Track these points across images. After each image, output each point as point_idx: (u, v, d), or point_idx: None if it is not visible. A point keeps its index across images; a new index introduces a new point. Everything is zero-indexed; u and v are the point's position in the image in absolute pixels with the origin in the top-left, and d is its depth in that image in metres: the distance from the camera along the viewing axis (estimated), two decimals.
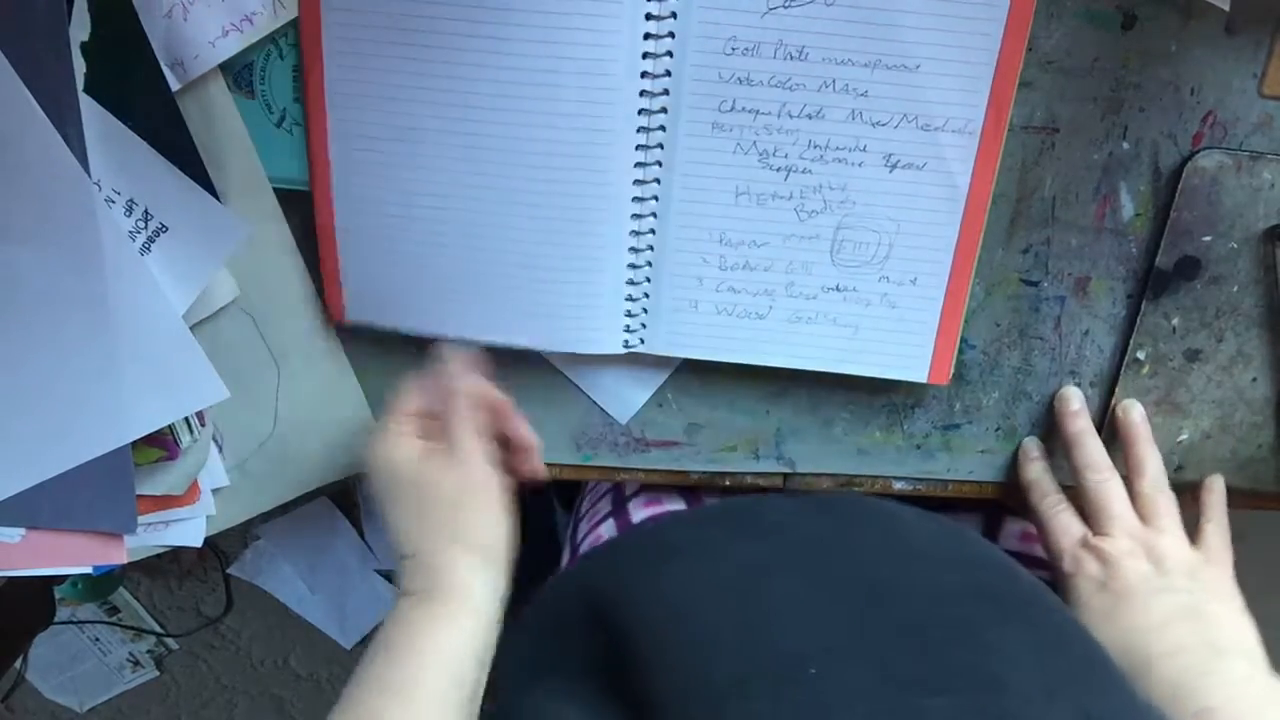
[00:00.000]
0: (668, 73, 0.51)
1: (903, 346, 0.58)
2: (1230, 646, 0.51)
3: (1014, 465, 0.63)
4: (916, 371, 0.58)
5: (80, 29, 0.49)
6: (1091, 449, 0.59)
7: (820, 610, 0.48)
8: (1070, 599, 0.57)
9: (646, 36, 0.50)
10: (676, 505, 0.69)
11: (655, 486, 0.68)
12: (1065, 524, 0.59)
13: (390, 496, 0.54)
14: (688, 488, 0.70)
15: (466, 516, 0.53)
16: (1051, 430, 0.62)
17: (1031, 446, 0.62)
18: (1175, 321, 0.59)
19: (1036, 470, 0.62)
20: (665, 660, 0.47)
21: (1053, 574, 0.60)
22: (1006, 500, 0.65)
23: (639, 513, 0.67)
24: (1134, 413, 0.60)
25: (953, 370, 0.59)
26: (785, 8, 0.50)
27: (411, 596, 0.51)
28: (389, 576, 1.30)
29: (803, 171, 0.53)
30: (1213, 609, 0.54)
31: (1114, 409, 0.61)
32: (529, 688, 0.52)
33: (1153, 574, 0.55)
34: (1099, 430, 0.61)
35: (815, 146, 0.53)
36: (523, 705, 0.51)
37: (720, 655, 0.46)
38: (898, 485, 0.65)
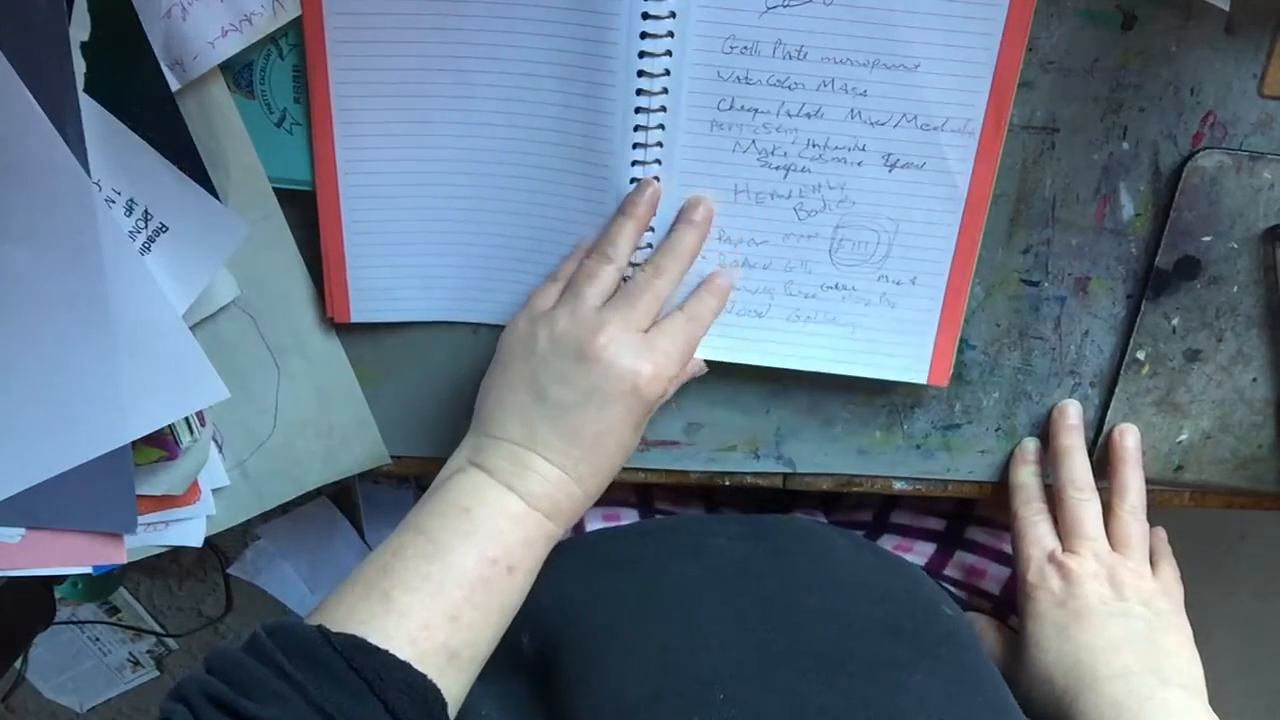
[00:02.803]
0: (666, 72, 0.51)
1: (903, 347, 0.58)
2: (1174, 677, 0.53)
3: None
4: (917, 373, 0.58)
5: (80, 29, 0.49)
6: (1077, 466, 0.60)
7: (738, 635, 0.49)
8: (1028, 608, 0.58)
9: (644, 36, 0.50)
10: (633, 519, 0.69)
11: (613, 500, 0.68)
12: (1039, 535, 0.60)
13: (518, 375, 0.51)
14: (645, 502, 0.71)
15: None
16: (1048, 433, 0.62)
17: (1029, 448, 0.62)
18: (1175, 321, 0.59)
19: (1026, 474, 0.62)
20: (586, 673, 0.48)
21: (1013, 579, 0.61)
22: (988, 503, 0.65)
23: (594, 522, 0.67)
24: (1129, 437, 0.61)
25: (952, 371, 0.59)
26: (784, 7, 0.50)
27: (481, 472, 0.50)
28: None
29: (802, 170, 0.53)
30: (1164, 639, 0.55)
31: (1111, 429, 0.61)
32: None
33: (1111, 598, 0.56)
34: (1095, 438, 0.62)
35: (814, 145, 0.53)
36: None
37: (637, 673, 0.47)
38: (898, 485, 0.65)
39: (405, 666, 0.43)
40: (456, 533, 0.48)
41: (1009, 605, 0.65)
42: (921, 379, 0.58)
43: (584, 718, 0.46)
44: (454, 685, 0.45)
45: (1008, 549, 0.65)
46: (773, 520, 0.62)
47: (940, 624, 0.53)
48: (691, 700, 0.45)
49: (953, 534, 0.70)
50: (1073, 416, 0.61)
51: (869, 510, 0.74)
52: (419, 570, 0.46)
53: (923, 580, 0.60)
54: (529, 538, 0.49)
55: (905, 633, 0.51)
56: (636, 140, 0.53)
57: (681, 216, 0.54)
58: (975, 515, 0.70)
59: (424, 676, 0.43)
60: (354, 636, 0.43)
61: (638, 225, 0.53)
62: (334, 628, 0.43)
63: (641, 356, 0.50)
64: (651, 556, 0.57)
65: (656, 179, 0.53)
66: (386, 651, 0.43)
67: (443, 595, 0.46)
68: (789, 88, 0.51)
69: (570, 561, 0.53)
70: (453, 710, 0.45)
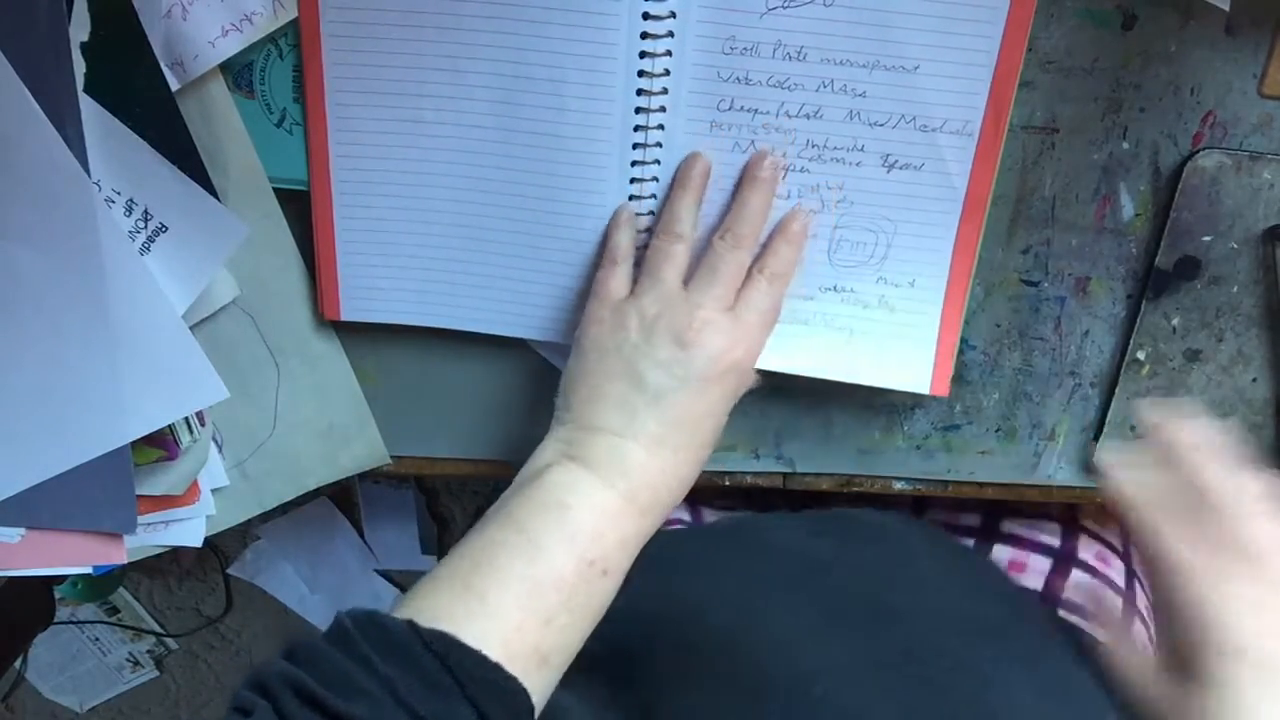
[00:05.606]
0: (666, 72, 0.51)
1: (903, 355, 0.57)
2: None
3: (1021, 467, 0.63)
4: (918, 382, 0.58)
5: (80, 29, 0.49)
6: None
7: (827, 632, 0.49)
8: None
9: (644, 36, 0.50)
10: (681, 514, 0.69)
11: None
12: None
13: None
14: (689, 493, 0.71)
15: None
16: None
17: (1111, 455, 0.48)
18: (1175, 321, 0.59)
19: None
20: (677, 675, 0.48)
21: (1058, 574, 0.61)
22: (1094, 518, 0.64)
23: None
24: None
25: (951, 375, 0.58)
26: (784, 8, 0.50)
27: (579, 466, 0.49)
28: (389, 576, 1.30)
29: (800, 170, 0.53)
30: None
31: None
32: None
33: None
34: (1095, 436, 0.62)
35: (813, 146, 0.53)
36: None
37: (731, 673, 0.47)
38: (898, 485, 0.65)
39: (497, 668, 0.41)
40: (556, 534, 0.46)
41: (1050, 598, 0.64)
42: (923, 389, 0.58)
43: (675, 709, 0.46)
44: (541, 687, 0.44)
45: (1046, 540, 0.64)
46: (830, 515, 0.62)
47: (1027, 626, 0.53)
48: (791, 696, 0.45)
49: (989, 528, 0.70)
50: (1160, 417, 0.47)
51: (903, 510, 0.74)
52: (516, 571, 0.45)
53: (999, 571, 0.59)
54: (624, 537, 0.48)
55: (993, 631, 0.50)
56: (636, 140, 0.53)
57: (746, 176, 0.53)
58: (1010, 507, 0.69)
59: (514, 679, 0.42)
60: (446, 634, 0.41)
61: (695, 197, 0.53)
62: (423, 624, 0.42)
63: (735, 336, 0.51)
64: (722, 558, 0.57)
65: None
66: (480, 652, 0.41)
67: (539, 598, 0.44)
68: (788, 88, 0.51)
69: (635, 563, 0.53)
70: (537, 713, 0.44)
